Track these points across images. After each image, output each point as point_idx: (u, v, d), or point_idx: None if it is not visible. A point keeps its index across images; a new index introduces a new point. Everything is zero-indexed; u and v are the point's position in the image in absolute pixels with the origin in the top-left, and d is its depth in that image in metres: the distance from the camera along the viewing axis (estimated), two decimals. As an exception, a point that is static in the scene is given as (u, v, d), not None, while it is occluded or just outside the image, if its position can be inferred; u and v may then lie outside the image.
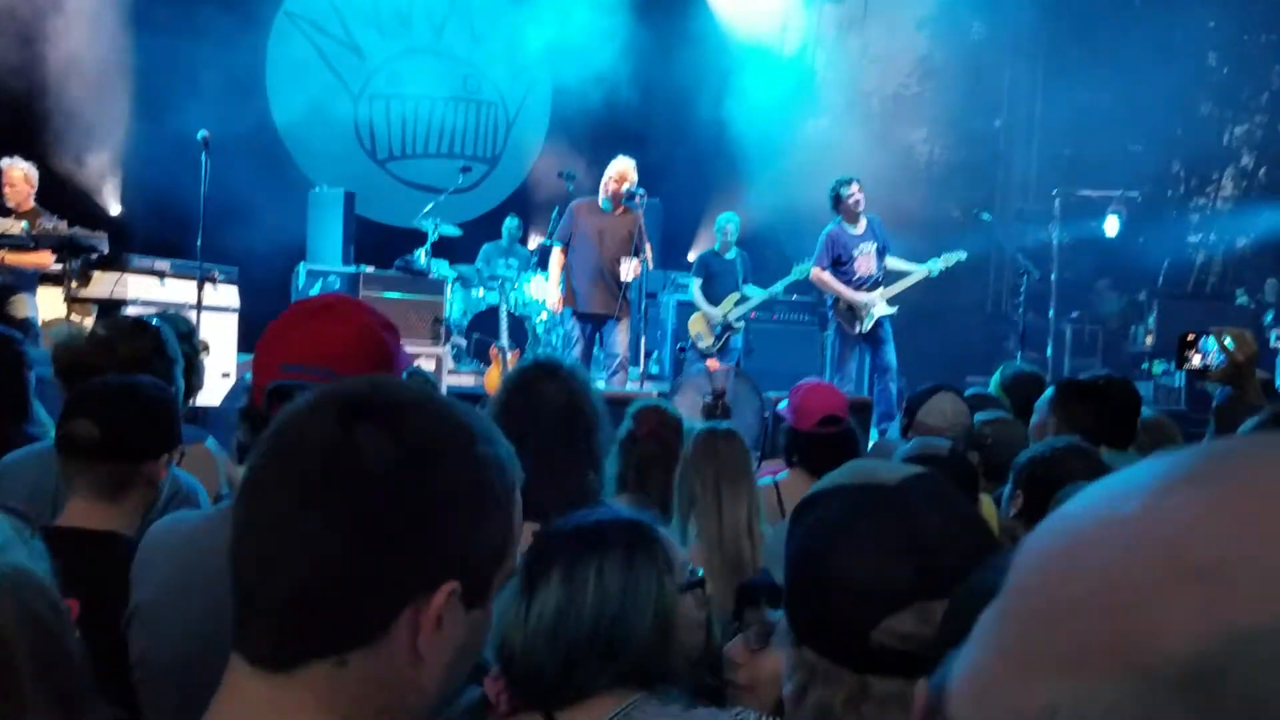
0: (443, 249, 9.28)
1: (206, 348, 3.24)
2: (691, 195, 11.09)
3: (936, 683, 0.43)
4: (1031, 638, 0.38)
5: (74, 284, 6.78)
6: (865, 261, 7.72)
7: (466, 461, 0.84)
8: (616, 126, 10.77)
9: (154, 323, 2.75)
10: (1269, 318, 10.73)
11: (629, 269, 7.27)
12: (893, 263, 7.85)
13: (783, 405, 3.57)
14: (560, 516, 1.55)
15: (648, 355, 9.30)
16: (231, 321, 7.61)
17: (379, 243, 9.90)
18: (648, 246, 7.42)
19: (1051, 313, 10.96)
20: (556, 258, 7.50)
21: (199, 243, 7.13)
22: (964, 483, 2.85)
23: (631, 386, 7.62)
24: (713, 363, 7.94)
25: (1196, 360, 2.66)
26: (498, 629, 1.43)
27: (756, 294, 8.33)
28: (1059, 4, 12.51)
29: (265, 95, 10.89)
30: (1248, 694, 0.32)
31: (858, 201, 7.66)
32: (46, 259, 6.67)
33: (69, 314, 6.62)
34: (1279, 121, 13.21)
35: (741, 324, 8.47)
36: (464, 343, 9.42)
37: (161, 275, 7.37)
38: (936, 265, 7.80)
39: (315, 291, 8.36)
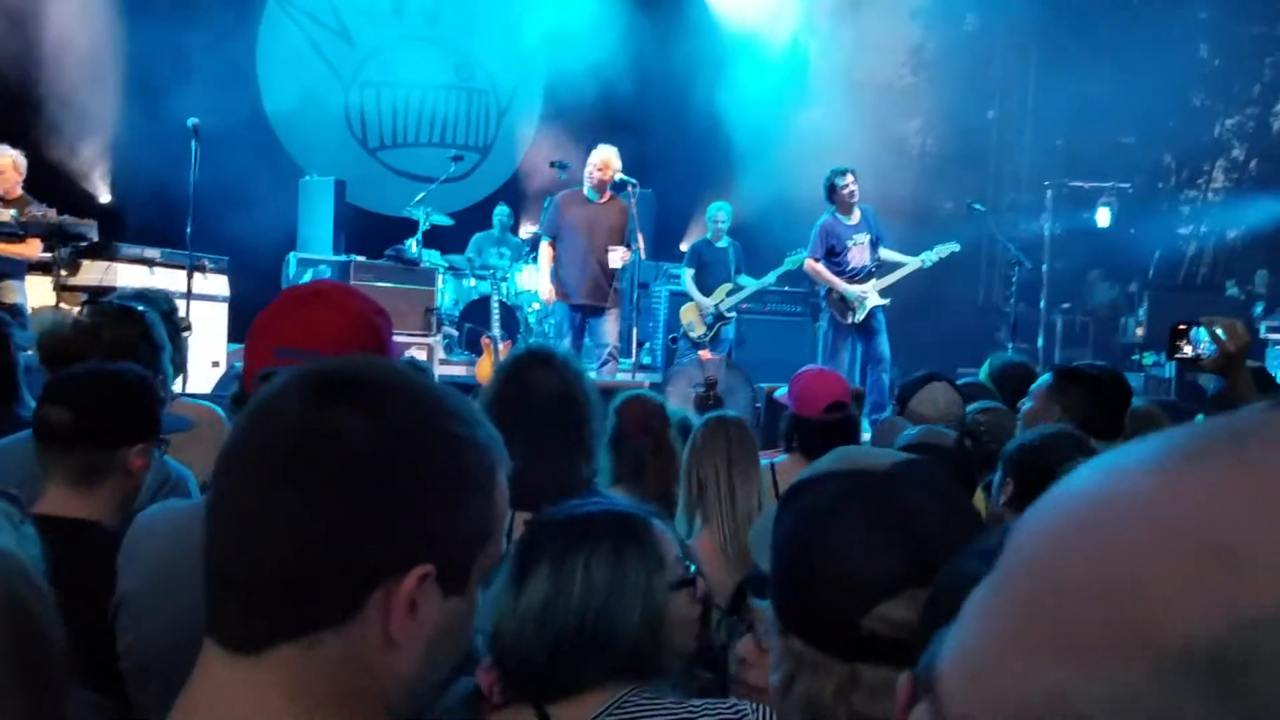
0: (434, 238, 9.26)
1: (189, 326, 3.22)
2: (684, 185, 11.07)
3: (926, 662, 0.42)
4: (1034, 620, 0.36)
5: (63, 272, 6.74)
6: (859, 252, 7.72)
7: (443, 442, 0.83)
8: (609, 116, 10.74)
9: (139, 308, 2.73)
10: (1259, 309, 10.77)
11: (617, 256, 7.26)
12: (886, 254, 7.85)
13: (781, 393, 3.56)
14: (552, 505, 1.54)
15: (640, 346, 9.30)
16: (221, 310, 7.59)
17: (370, 232, 9.88)
18: (640, 236, 7.41)
19: (1043, 303, 11.00)
20: (545, 252, 7.50)
21: (189, 231, 7.11)
22: (966, 473, 2.85)
23: (624, 377, 7.61)
24: (705, 353, 7.94)
25: (1188, 351, 2.66)
26: (489, 619, 1.43)
27: (749, 284, 8.33)
28: (1052, -5, 12.52)
29: (256, 83, 10.85)
30: (1271, 686, 0.30)
31: (852, 192, 7.65)
32: (34, 248, 6.62)
33: (58, 302, 6.58)
34: (1270, 114, 13.25)
35: (734, 314, 8.47)
36: (456, 333, 9.41)
37: (151, 264, 7.33)
38: (930, 257, 7.81)
39: (306, 280, 8.33)
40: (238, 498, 0.81)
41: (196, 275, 7.20)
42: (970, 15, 12.71)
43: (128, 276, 7.10)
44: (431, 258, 9.10)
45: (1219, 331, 2.54)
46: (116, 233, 7.77)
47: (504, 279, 9.04)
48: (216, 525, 0.82)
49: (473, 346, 9.21)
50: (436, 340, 8.62)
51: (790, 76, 11.94)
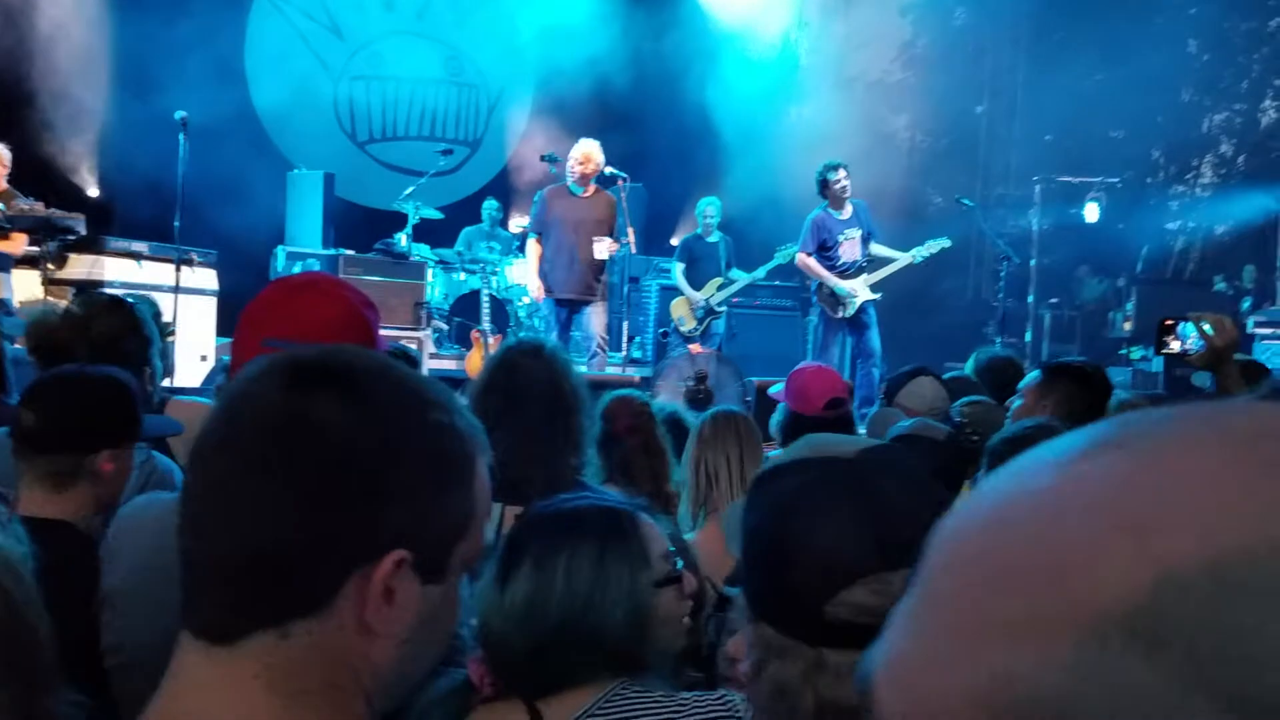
0: (423, 232, 9.23)
1: (172, 331, 3.20)
2: (675, 180, 11.07)
3: (859, 678, 0.43)
4: (970, 611, 0.38)
5: (51, 266, 6.69)
6: (850, 247, 7.72)
7: (419, 428, 0.82)
8: (600, 111, 10.73)
9: (129, 300, 2.71)
10: (1247, 304, 10.82)
11: (603, 248, 7.25)
12: (877, 249, 7.86)
13: (776, 389, 3.55)
14: (541, 498, 1.54)
15: (631, 340, 9.30)
16: (210, 304, 7.55)
17: (359, 225, 9.84)
18: (630, 230, 7.40)
19: (1031, 298, 11.02)
20: (532, 248, 7.50)
21: (177, 225, 7.07)
22: (959, 465, 2.86)
23: (614, 371, 7.61)
24: (695, 347, 7.94)
25: (1175, 346, 2.67)
26: (478, 611, 1.43)
27: (740, 278, 8.33)
28: (1042, -10, 12.54)
29: (245, 76, 10.79)
30: (1186, 635, 0.33)
31: (844, 187, 7.65)
32: (19, 243, 6.58)
33: (46, 296, 6.54)
34: (1258, 109, 13.30)
35: (724, 308, 8.47)
36: (445, 327, 9.39)
37: (139, 257, 7.30)
38: (920, 253, 7.82)
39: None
40: (210, 483, 0.80)
41: (185, 269, 7.16)
42: (960, 10, 12.74)
43: (116, 270, 7.07)
44: (421, 251, 9.08)
45: (1206, 327, 2.56)
46: (105, 226, 7.73)
47: (494, 273, 9.02)
48: (189, 512, 0.81)
49: (462, 340, 9.18)
50: (426, 334, 8.60)
51: (781, 72, 11.96)
